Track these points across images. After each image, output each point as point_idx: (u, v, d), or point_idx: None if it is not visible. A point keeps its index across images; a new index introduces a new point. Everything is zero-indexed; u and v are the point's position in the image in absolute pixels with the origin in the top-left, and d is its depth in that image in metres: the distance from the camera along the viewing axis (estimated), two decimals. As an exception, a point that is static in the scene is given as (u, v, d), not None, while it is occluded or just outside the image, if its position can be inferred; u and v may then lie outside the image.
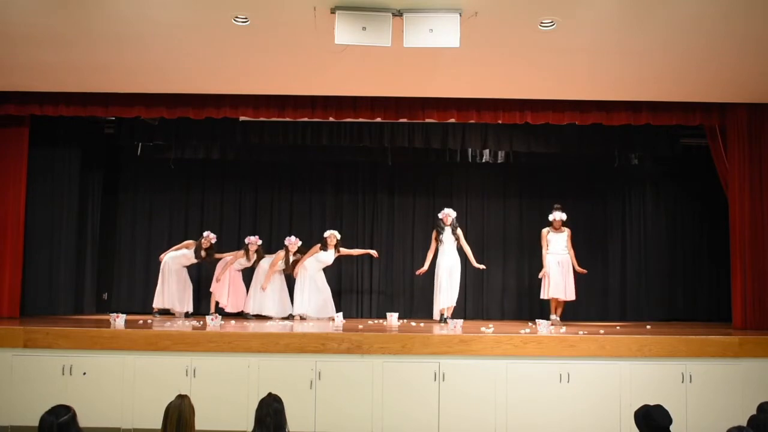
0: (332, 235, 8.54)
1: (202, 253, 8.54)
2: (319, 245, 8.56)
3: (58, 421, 2.97)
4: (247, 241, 8.63)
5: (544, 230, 8.43)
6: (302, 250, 8.62)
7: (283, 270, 8.64)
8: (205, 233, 8.58)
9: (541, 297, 8.43)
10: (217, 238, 8.84)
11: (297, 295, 8.50)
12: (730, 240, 7.70)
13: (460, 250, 8.34)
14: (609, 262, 9.62)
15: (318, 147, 8.94)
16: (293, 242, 8.54)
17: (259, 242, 8.67)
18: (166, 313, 8.60)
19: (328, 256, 8.55)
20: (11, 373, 6.14)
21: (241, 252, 8.63)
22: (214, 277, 8.71)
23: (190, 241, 8.68)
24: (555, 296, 8.28)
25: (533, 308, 9.08)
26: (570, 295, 8.28)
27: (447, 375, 6.05)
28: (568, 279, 8.28)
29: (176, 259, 8.56)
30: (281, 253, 8.58)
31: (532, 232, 9.13)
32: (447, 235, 8.28)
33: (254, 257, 8.64)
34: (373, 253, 8.82)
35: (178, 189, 9.73)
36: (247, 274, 8.81)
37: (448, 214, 8.32)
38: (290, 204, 9.79)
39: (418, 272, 8.43)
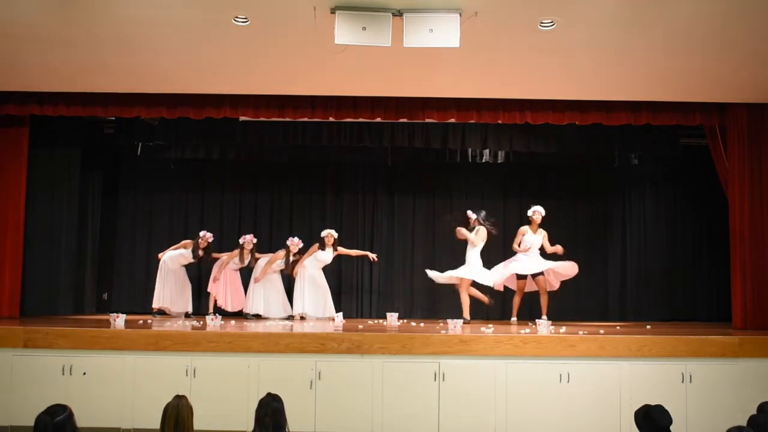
0: (330, 234, 8.54)
1: (200, 253, 8.54)
2: (317, 244, 8.56)
3: (53, 421, 2.95)
4: (242, 240, 8.64)
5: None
6: (303, 251, 8.62)
7: (282, 270, 8.65)
8: (202, 233, 8.59)
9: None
10: (217, 238, 8.86)
11: (297, 295, 8.51)
12: (730, 240, 7.70)
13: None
14: (609, 262, 9.62)
15: (318, 147, 8.94)
16: (295, 243, 8.54)
17: (254, 241, 8.68)
18: (164, 313, 8.60)
19: (327, 255, 8.55)
20: (11, 373, 6.14)
21: (236, 251, 8.64)
22: (211, 277, 8.72)
23: (188, 241, 8.68)
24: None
25: (533, 308, 9.07)
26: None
27: (447, 375, 6.05)
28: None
29: (174, 259, 8.56)
30: (281, 252, 8.58)
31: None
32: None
33: (248, 257, 8.63)
34: (372, 256, 8.79)
35: (178, 189, 9.72)
36: (245, 274, 8.81)
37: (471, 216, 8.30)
38: (290, 204, 9.79)
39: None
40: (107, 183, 9.54)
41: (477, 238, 8.10)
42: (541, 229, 8.23)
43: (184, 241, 8.72)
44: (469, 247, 8.16)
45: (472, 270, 8.09)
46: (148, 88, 7.34)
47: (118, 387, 6.08)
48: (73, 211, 8.80)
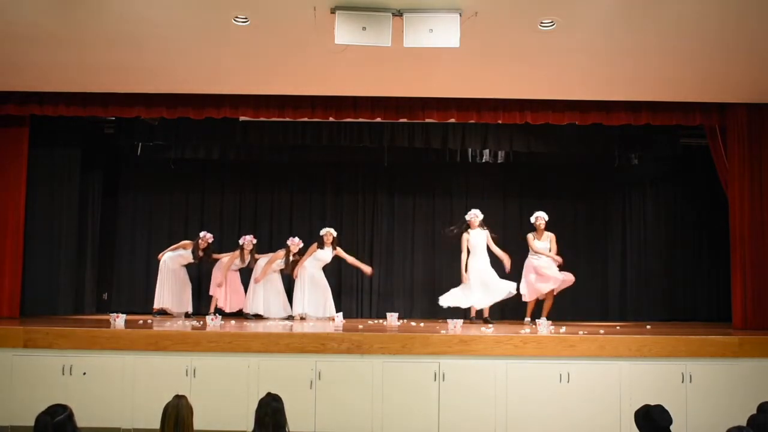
0: (329, 232, 8.52)
1: (200, 254, 8.54)
2: (315, 244, 8.54)
3: (53, 421, 2.95)
4: (241, 241, 8.63)
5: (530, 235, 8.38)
6: (303, 251, 8.61)
7: (282, 270, 8.64)
8: (202, 233, 8.58)
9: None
10: (217, 238, 8.86)
11: (297, 295, 8.49)
12: (730, 240, 7.71)
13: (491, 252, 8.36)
14: (609, 262, 9.62)
15: (318, 147, 8.94)
16: (296, 243, 8.53)
17: (254, 241, 8.67)
18: (164, 313, 8.59)
19: (326, 254, 8.53)
20: (11, 373, 6.14)
21: (237, 252, 8.63)
22: (213, 282, 8.69)
23: (188, 242, 8.67)
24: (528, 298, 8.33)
25: (534, 308, 9.07)
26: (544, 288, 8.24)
27: (447, 375, 6.05)
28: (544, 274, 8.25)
29: (174, 259, 8.56)
30: (281, 252, 8.57)
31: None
32: (476, 237, 8.26)
33: (248, 257, 8.63)
34: (367, 270, 8.66)
35: (178, 189, 9.72)
36: (245, 274, 8.80)
37: (476, 215, 8.29)
38: (290, 204, 9.79)
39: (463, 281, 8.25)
40: (107, 183, 9.54)
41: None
42: (547, 233, 8.27)
43: (183, 242, 8.70)
44: (486, 249, 8.25)
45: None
46: (148, 88, 7.34)
47: (118, 387, 6.08)
48: (73, 211, 8.79)
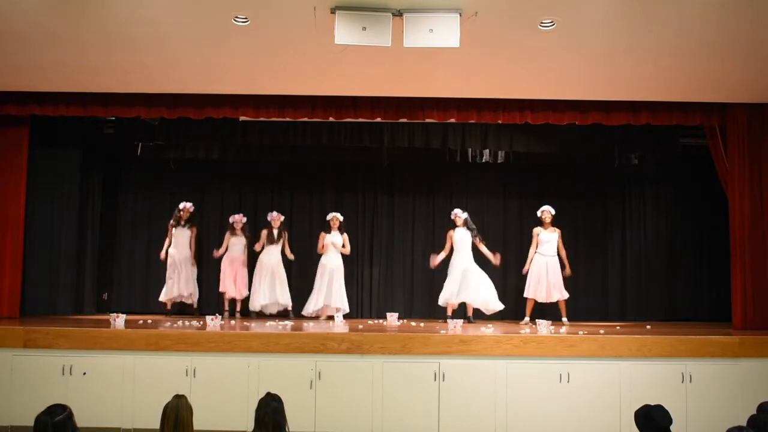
0: (335, 217, 8.68)
1: (183, 224, 8.61)
2: (323, 233, 8.63)
3: (53, 421, 2.94)
4: (231, 219, 8.69)
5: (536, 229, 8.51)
6: (284, 227, 8.63)
7: (283, 256, 8.63)
8: (182, 204, 8.69)
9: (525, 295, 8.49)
10: (217, 238, 8.84)
11: (315, 292, 8.55)
12: (730, 240, 7.71)
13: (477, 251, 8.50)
14: (609, 262, 9.61)
15: (318, 147, 8.95)
16: (275, 217, 8.63)
17: (244, 220, 8.74)
18: (177, 312, 8.62)
19: (336, 237, 8.63)
20: (11, 373, 6.15)
21: (227, 235, 8.68)
22: (222, 277, 8.66)
23: (171, 222, 8.71)
24: (532, 297, 8.38)
25: (533, 308, 9.07)
26: (551, 296, 8.31)
27: (447, 375, 6.05)
28: (552, 280, 8.30)
29: (179, 249, 8.59)
30: (263, 232, 8.63)
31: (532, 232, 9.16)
32: (460, 235, 8.40)
33: (242, 234, 8.68)
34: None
35: (178, 189, 9.69)
36: (249, 267, 8.82)
37: (457, 215, 8.46)
38: (290, 204, 9.78)
39: (433, 263, 8.51)
40: (107, 183, 9.53)
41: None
42: (553, 228, 8.40)
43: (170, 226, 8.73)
44: (470, 248, 8.39)
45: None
46: (148, 88, 7.34)
47: (118, 387, 6.08)
48: (73, 211, 8.79)
